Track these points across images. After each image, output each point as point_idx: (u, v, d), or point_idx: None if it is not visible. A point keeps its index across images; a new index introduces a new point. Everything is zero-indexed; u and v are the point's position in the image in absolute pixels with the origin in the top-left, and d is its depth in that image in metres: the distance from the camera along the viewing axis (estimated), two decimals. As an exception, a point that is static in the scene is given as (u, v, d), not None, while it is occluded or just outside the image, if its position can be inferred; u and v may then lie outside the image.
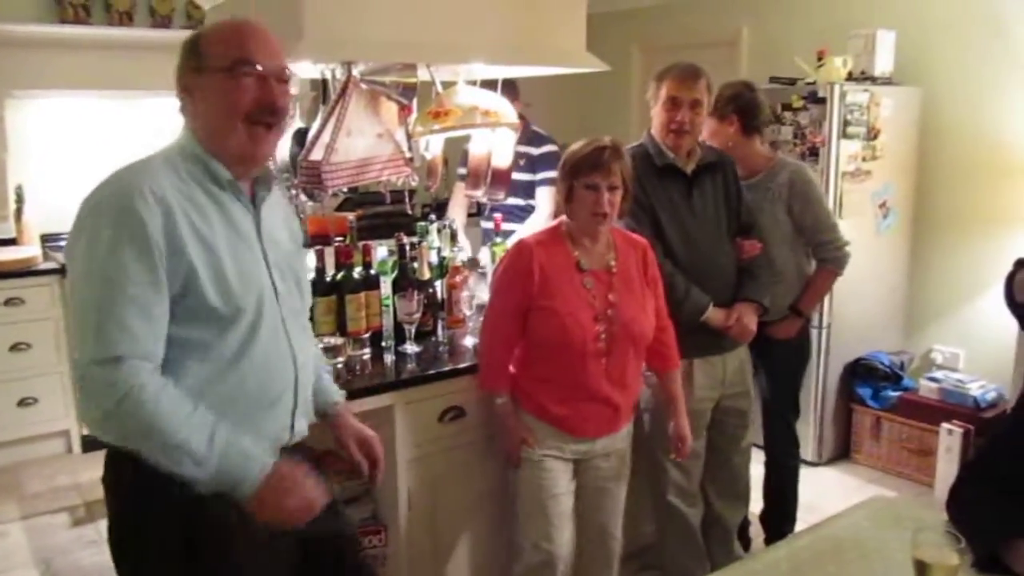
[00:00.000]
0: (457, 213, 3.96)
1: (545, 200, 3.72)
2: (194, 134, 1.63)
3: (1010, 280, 2.27)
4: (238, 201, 1.65)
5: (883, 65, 4.21)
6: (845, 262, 3.06)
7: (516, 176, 3.65)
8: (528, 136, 3.69)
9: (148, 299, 1.47)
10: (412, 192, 2.91)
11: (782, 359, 3.11)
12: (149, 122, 4.86)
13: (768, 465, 3.25)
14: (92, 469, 4.14)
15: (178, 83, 1.63)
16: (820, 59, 4.12)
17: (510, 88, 3.53)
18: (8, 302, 4.08)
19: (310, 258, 2.55)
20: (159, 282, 1.48)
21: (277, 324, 1.67)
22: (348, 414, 1.98)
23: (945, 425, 3.83)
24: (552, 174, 3.39)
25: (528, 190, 3.77)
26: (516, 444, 2.33)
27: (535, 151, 3.76)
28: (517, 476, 2.38)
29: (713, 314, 2.62)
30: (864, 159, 4.08)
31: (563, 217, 2.39)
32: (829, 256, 3.03)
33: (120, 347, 1.44)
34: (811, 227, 3.01)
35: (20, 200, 4.50)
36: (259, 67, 1.59)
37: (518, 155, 3.65)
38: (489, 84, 3.28)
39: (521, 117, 3.67)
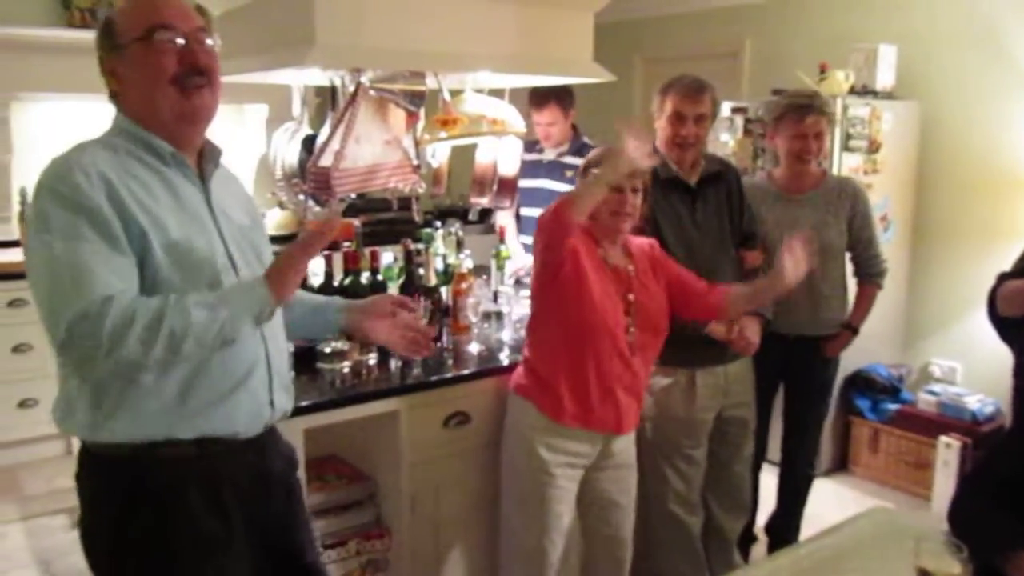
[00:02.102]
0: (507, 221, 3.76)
1: None
2: (127, 115, 1.61)
3: (993, 294, 2.31)
4: (183, 175, 1.62)
5: (884, 79, 4.24)
6: (885, 275, 3.17)
7: (564, 189, 3.61)
8: (577, 147, 3.60)
9: (107, 254, 1.44)
10: (417, 199, 2.94)
11: (827, 372, 3.21)
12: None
13: (786, 476, 3.29)
14: (92, 471, 4.15)
15: (102, 70, 1.62)
16: (822, 72, 4.15)
17: (566, 97, 3.55)
18: (11, 303, 4.10)
19: (318, 263, 2.58)
20: (116, 238, 1.46)
21: None
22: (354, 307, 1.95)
23: (943, 438, 3.85)
24: None
25: None
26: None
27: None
28: (523, 484, 2.37)
29: (715, 326, 2.63)
30: (865, 172, 4.11)
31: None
32: (877, 271, 3.13)
33: (94, 292, 1.41)
34: (866, 242, 3.10)
35: (24, 202, 4.50)
36: (175, 30, 1.56)
37: (566, 167, 3.60)
38: (550, 91, 3.36)
39: (573, 127, 3.68)
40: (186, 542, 1.60)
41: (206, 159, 1.68)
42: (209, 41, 1.61)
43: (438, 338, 2.76)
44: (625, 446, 2.45)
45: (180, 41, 1.56)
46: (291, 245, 1.55)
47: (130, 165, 1.55)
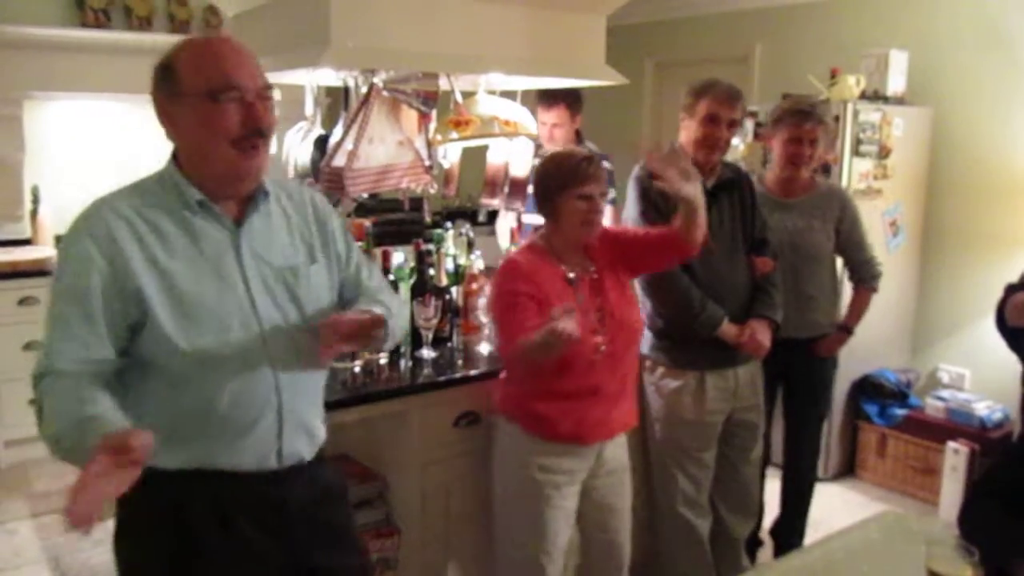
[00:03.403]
0: (503, 231, 3.70)
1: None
2: (175, 159, 1.61)
3: (1001, 306, 2.33)
4: (213, 221, 1.60)
5: (895, 85, 4.24)
6: (879, 279, 3.20)
7: None
8: None
9: (74, 325, 1.49)
10: (428, 199, 2.96)
11: (824, 373, 3.26)
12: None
13: (790, 480, 3.30)
14: (101, 469, 4.17)
15: (156, 109, 1.58)
16: (833, 77, 4.15)
17: (575, 101, 3.55)
18: (22, 301, 4.12)
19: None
20: (91, 316, 1.49)
21: (253, 347, 1.59)
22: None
23: (951, 444, 3.84)
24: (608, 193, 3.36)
25: None
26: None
27: None
28: (519, 506, 2.33)
29: (727, 329, 2.64)
30: (875, 177, 4.11)
31: (536, 235, 2.38)
32: (871, 274, 3.18)
33: (40, 366, 1.50)
34: (856, 246, 3.15)
35: (36, 200, 4.54)
36: (242, 91, 1.53)
37: None
38: (560, 92, 3.36)
39: (577, 133, 3.68)
40: (189, 557, 1.60)
41: (250, 202, 1.64)
42: (272, 97, 1.59)
43: (449, 338, 2.77)
44: (616, 451, 2.40)
45: (244, 100, 1.53)
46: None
47: (153, 215, 1.55)
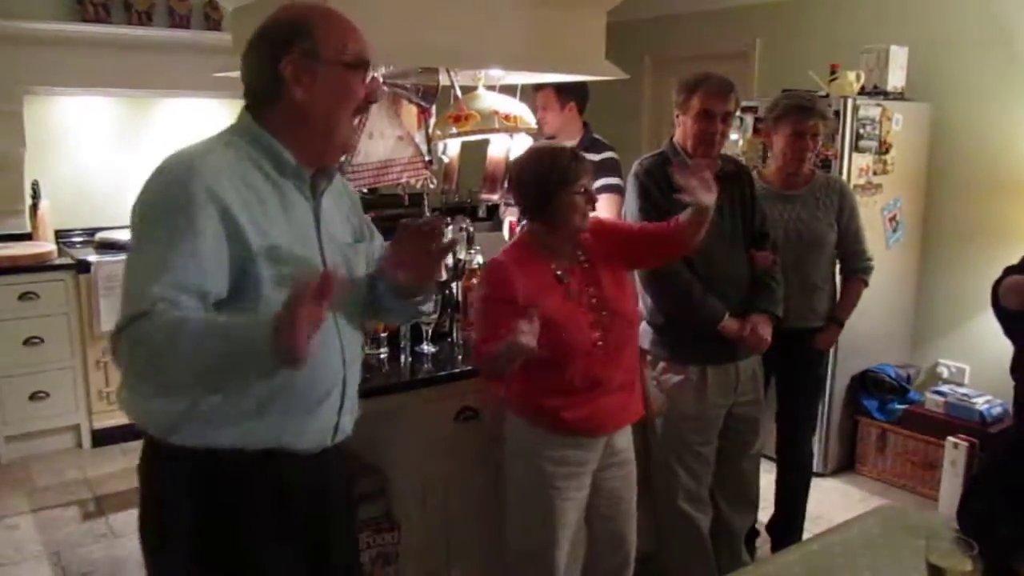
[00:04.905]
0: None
1: (604, 207, 3.38)
2: (264, 120, 1.57)
3: (996, 286, 2.33)
4: (298, 189, 1.60)
5: (895, 80, 4.24)
6: (871, 272, 3.21)
7: None
8: (587, 143, 3.59)
9: (180, 258, 1.40)
10: (428, 194, 2.96)
11: (820, 367, 3.28)
12: (165, 121, 4.92)
13: (786, 475, 3.30)
14: (102, 464, 4.17)
15: (272, 67, 1.53)
16: (833, 73, 4.15)
17: (566, 88, 3.54)
18: (23, 296, 4.12)
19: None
20: (197, 253, 1.41)
21: (329, 320, 1.58)
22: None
23: (951, 439, 3.84)
24: (612, 180, 3.39)
25: None
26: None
27: (595, 157, 3.37)
28: (530, 499, 2.34)
29: (729, 323, 2.64)
30: (875, 172, 4.11)
31: (524, 231, 2.37)
32: (862, 266, 3.19)
33: (135, 308, 1.36)
34: (852, 236, 3.16)
35: (36, 195, 4.54)
36: (369, 67, 1.61)
37: None
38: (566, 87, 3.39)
39: (585, 124, 3.69)
40: (246, 534, 1.60)
41: (320, 175, 1.65)
42: None
43: (448, 333, 2.77)
44: (627, 442, 2.43)
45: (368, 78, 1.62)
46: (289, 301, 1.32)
47: (246, 171, 1.53)
